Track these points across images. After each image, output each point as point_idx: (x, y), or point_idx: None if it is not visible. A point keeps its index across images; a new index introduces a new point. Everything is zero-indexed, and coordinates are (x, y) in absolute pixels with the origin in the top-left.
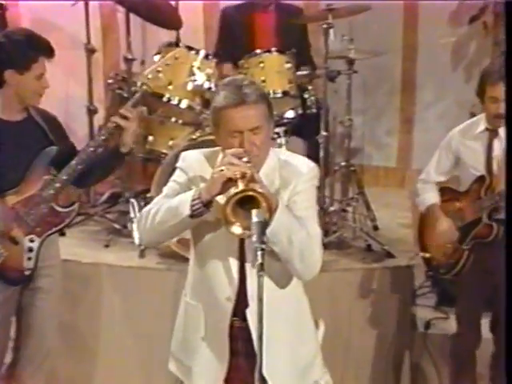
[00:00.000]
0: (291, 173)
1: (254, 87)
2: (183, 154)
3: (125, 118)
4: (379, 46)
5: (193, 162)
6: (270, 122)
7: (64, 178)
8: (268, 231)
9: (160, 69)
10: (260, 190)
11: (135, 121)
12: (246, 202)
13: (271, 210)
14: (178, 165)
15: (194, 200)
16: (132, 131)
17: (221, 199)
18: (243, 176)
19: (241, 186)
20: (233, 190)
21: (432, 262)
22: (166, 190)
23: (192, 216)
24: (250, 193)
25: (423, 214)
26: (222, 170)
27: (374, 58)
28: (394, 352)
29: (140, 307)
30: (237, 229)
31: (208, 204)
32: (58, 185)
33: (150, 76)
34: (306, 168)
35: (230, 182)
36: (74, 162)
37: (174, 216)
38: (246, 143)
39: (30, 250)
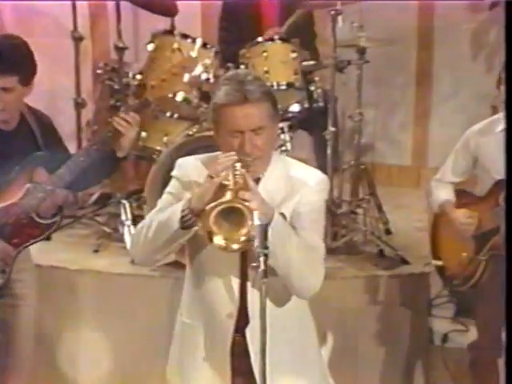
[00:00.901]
0: (298, 183)
1: (258, 83)
2: (179, 161)
3: (127, 122)
4: (392, 34)
5: (188, 168)
6: (275, 122)
7: (48, 188)
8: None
9: (164, 77)
10: (247, 204)
11: (136, 126)
12: (233, 213)
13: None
14: (173, 174)
15: (183, 211)
16: (131, 137)
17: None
18: (236, 183)
19: (228, 195)
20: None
21: (446, 272)
22: (160, 203)
23: (183, 228)
24: (237, 205)
25: (436, 215)
26: (213, 178)
27: (386, 46)
28: (408, 368)
29: (132, 317)
30: (219, 240)
31: (200, 214)
32: (41, 195)
33: (153, 83)
34: (315, 179)
35: (224, 189)
36: (61, 171)
37: (164, 231)
38: (248, 144)
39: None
